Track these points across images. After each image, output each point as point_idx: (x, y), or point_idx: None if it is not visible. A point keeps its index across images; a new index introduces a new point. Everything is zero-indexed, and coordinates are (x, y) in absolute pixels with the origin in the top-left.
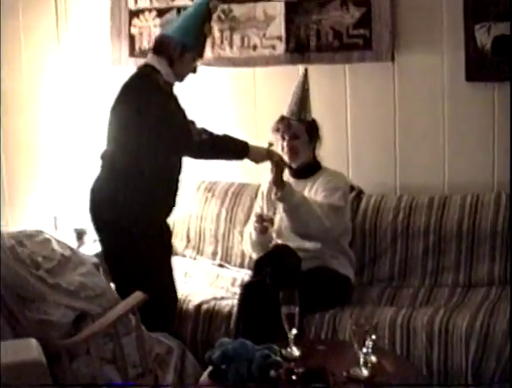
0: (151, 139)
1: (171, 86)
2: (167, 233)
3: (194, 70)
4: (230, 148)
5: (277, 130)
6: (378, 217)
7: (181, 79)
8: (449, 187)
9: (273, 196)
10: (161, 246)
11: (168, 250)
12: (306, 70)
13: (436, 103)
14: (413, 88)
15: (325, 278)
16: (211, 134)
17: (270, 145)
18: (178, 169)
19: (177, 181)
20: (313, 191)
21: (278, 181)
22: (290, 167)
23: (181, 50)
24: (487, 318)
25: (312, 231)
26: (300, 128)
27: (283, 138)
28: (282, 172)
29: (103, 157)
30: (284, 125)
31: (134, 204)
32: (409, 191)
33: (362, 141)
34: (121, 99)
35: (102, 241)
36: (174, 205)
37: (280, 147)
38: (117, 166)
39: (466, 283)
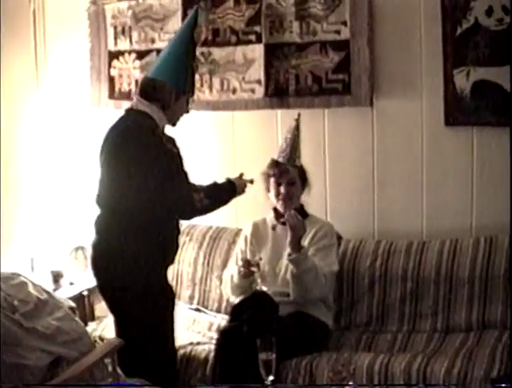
0: (152, 201)
1: (173, 140)
2: (168, 283)
3: (187, 111)
4: (224, 198)
5: (272, 175)
6: (356, 261)
7: (174, 123)
8: (427, 232)
9: (286, 256)
10: (165, 295)
11: (171, 301)
12: (299, 115)
13: (415, 147)
14: (392, 133)
15: (302, 324)
16: (206, 193)
17: (251, 182)
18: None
19: (177, 226)
20: (303, 242)
21: (296, 243)
22: (278, 213)
23: (176, 95)
24: (465, 364)
25: (312, 297)
26: (295, 173)
27: (278, 184)
28: (302, 234)
29: (99, 203)
30: (280, 171)
31: (138, 255)
32: (388, 237)
33: (340, 185)
34: (120, 152)
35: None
36: (177, 248)
37: (275, 193)
38: (116, 216)
39: (444, 328)
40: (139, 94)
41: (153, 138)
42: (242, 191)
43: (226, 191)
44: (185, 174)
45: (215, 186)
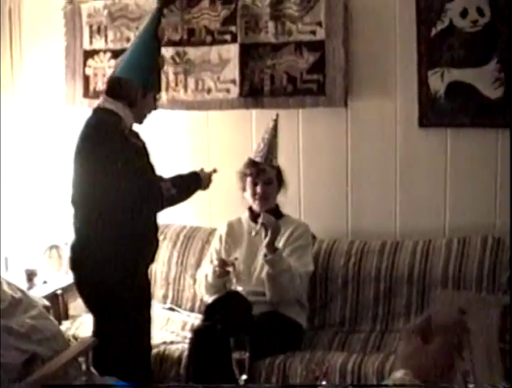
0: (121, 194)
1: (137, 134)
2: (148, 282)
3: (155, 108)
4: (190, 188)
5: (249, 175)
6: (329, 261)
7: (141, 121)
8: (401, 232)
9: (261, 257)
10: (144, 294)
11: (149, 300)
12: (277, 115)
13: (389, 148)
14: (366, 133)
15: (276, 324)
16: (172, 183)
17: (214, 171)
18: (154, 214)
19: (155, 222)
20: (278, 243)
21: (271, 244)
22: (253, 213)
23: (142, 93)
24: None
25: (287, 298)
26: (272, 173)
27: (255, 183)
28: (277, 235)
29: (74, 202)
30: (257, 170)
31: (117, 253)
32: (361, 237)
33: (314, 185)
34: (86, 150)
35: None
36: (157, 246)
37: (251, 193)
38: (91, 215)
39: None
40: (105, 93)
41: (116, 133)
42: (208, 182)
43: (192, 182)
44: (151, 166)
45: (180, 177)
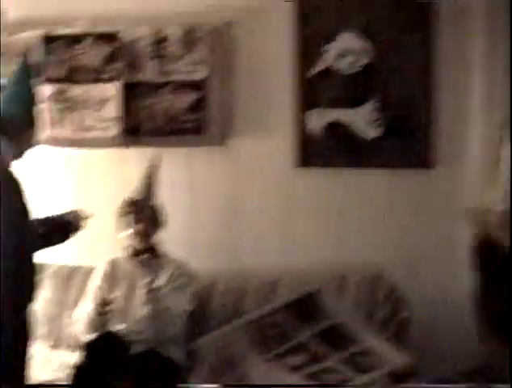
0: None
1: (11, 173)
2: (27, 321)
3: (34, 144)
4: (58, 228)
5: (128, 213)
6: (208, 300)
7: (20, 156)
8: (280, 271)
9: (141, 296)
10: (23, 333)
11: (28, 339)
12: (157, 155)
13: (267, 187)
14: (245, 173)
15: (154, 362)
16: (42, 223)
17: (90, 215)
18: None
19: (30, 262)
20: (158, 282)
21: (151, 283)
22: (133, 251)
23: (19, 129)
24: None
25: (166, 337)
26: (150, 211)
27: (135, 222)
28: (157, 274)
29: None
30: (136, 208)
31: None
32: (241, 275)
33: (195, 224)
34: None
35: None
36: (35, 285)
37: (130, 230)
38: None
39: None
40: None
41: None
42: (79, 224)
43: (61, 223)
44: (23, 205)
45: (51, 218)
